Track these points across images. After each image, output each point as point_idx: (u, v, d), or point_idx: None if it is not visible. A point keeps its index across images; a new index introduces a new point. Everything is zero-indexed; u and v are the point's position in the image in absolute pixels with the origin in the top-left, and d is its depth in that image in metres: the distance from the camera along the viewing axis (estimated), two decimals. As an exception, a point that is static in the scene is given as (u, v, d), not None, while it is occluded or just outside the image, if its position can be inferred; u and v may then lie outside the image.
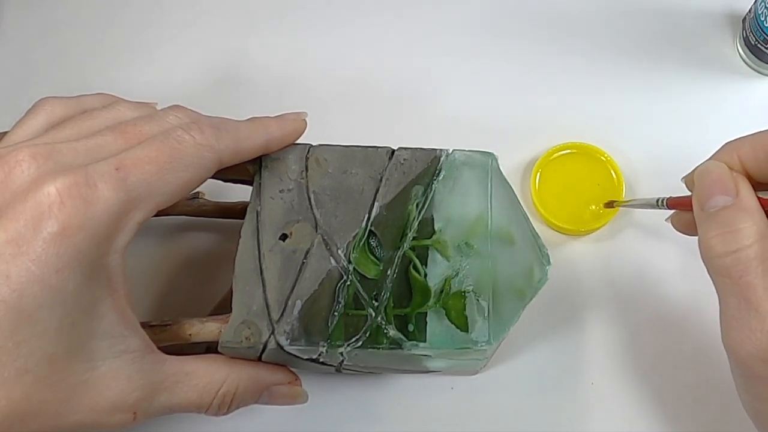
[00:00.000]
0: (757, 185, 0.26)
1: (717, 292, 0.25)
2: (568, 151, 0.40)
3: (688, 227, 0.30)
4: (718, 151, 0.27)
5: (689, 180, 0.28)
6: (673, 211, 0.31)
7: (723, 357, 0.25)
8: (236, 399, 0.29)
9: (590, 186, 0.39)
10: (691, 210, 0.27)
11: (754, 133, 0.26)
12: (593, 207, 0.39)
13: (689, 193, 0.28)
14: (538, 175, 0.39)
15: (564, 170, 0.40)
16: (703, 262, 0.25)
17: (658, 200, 0.31)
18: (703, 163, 0.27)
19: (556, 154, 0.40)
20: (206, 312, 0.33)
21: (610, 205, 0.38)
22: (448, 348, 0.29)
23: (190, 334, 0.28)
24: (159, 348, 0.27)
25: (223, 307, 0.30)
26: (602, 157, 0.40)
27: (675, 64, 0.44)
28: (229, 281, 0.29)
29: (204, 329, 0.28)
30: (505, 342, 0.30)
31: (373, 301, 0.29)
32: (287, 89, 0.44)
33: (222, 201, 0.37)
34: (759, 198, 0.25)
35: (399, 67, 0.44)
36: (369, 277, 0.29)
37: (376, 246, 0.29)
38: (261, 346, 0.28)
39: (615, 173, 0.39)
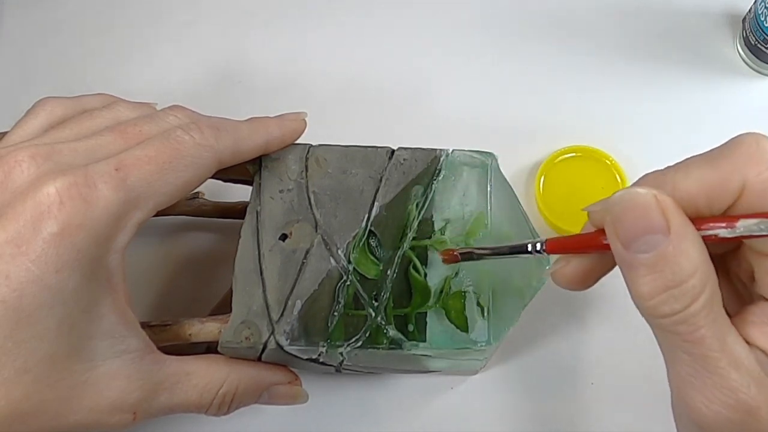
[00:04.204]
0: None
1: (660, 346, 0.21)
2: (573, 154, 0.40)
3: (579, 281, 0.23)
4: (644, 182, 0.21)
5: (599, 214, 0.21)
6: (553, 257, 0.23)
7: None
8: (236, 399, 0.29)
9: (594, 189, 0.39)
10: (580, 253, 0.22)
11: (694, 164, 0.21)
12: None
13: (574, 232, 0.21)
14: (543, 178, 0.39)
15: (568, 173, 0.40)
16: (639, 311, 0.20)
17: (529, 245, 0.23)
18: (624, 189, 0.21)
19: (560, 158, 0.40)
20: (206, 312, 0.33)
21: (449, 257, 0.28)
22: (447, 348, 0.29)
23: (190, 334, 0.28)
24: (159, 348, 0.27)
25: (223, 307, 0.30)
26: (607, 161, 0.40)
27: (675, 64, 0.44)
28: (229, 281, 0.28)
29: (204, 329, 0.28)
30: (505, 342, 0.30)
31: (373, 301, 0.29)
32: (287, 89, 0.44)
33: (222, 201, 0.37)
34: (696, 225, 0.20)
35: (399, 67, 0.44)
36: (369, 277, 0.29)
37: (376, 246, 0.29)
38: (261, 346, 0.28)
39: (620, 177, 0.39)
